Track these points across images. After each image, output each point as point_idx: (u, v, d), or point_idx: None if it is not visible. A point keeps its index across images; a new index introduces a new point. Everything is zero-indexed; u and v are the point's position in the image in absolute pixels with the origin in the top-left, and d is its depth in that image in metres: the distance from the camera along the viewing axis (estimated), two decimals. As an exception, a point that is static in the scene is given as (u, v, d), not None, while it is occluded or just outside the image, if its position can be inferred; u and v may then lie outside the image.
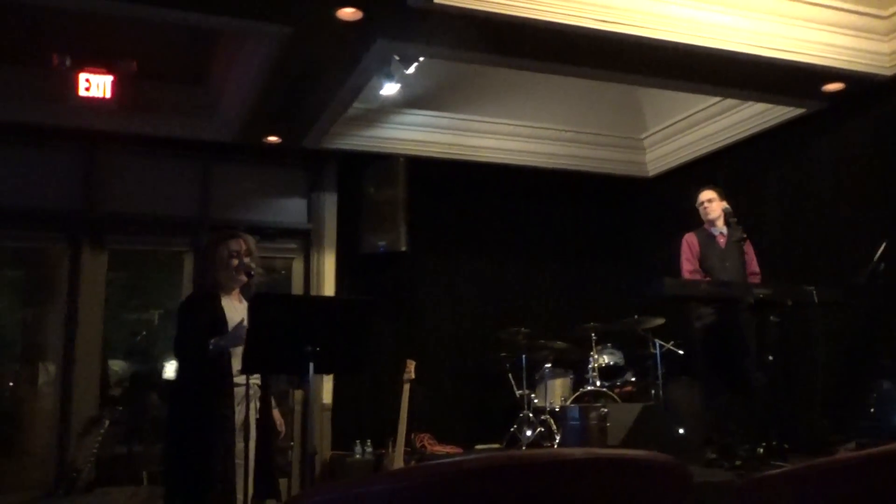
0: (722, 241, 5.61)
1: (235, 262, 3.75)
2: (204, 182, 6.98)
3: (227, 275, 3.75)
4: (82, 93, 5.92)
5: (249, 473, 3.50)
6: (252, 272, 3.69)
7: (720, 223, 5.62)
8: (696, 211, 5.74)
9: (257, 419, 3.69)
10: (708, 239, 5.64)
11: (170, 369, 6.86)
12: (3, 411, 6.51)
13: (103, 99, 5.94)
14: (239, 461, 3.53)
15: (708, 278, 5.44)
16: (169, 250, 7.13)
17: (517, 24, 4.72)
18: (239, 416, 3.58)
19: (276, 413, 3.95)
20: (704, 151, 7.40)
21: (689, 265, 5.57)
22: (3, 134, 6.32)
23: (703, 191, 5.73)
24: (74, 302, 6.47)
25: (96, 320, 6.55)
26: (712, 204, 5.62)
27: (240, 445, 3.53)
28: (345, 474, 6.50)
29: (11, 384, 6.63)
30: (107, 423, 6.06)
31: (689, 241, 5.65)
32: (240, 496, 3.52)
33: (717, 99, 6.95)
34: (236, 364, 3.60)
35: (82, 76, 5.85)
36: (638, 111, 7.88)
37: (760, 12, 5.28)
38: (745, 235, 5.33)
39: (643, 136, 8.09)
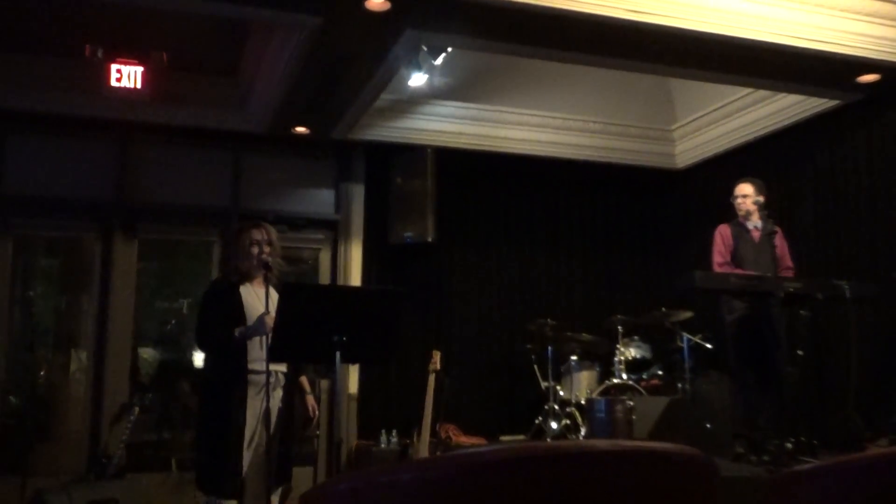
0: (756, 235, 5.55)
1: (255, 250, 3.79)
2: (234, 172, 7.03)
3: (249, 263, 3.80)
4: (114, 83, 5.99)
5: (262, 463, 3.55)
6: (269, 262, 3.71)
7: (755, 217, 5.55)
8: (727, 203, 5.69)
9: (280, 408, 3.74)
10: (742, 232, 5.58)
11: (199, 358, 6.94)
12: (37, 397, 6.64)
13: (134, 89, 6.01)
14: (261, 448, 3.58)
15: (739, 271, 5.38)
16: (199, 240, 7.19)
17: (547, 14, 4.69)
18: (258, 404, 3.62)
19: (309, 399, 4.00)
20: (736, 143, 7.32)
21: (719, 257, 5.52)
22: (37, 124, 6.42)
23: (739, 184, 5.65)
24: (106, 291, 6.56)
25: (127, 309, 6.64)
26: (747, 200, 5.55)
27: (263, 433, 3.57)
28: (370, 464, 6.54)
29: (44, 371, 6.75)
30: (137, 410, 6.15)
31: (723, 232, 5.59)
32: (251, 486, 3.56)
33: (750, 90, 6.86)
34: (253, 352, 3.65)
35: (113, 67, 5.92)
36: (668, 102, 7.80)
37: (794, 1, 5.20)
38: (776, 228, 5.27)
39: (673, 127, 8.01)
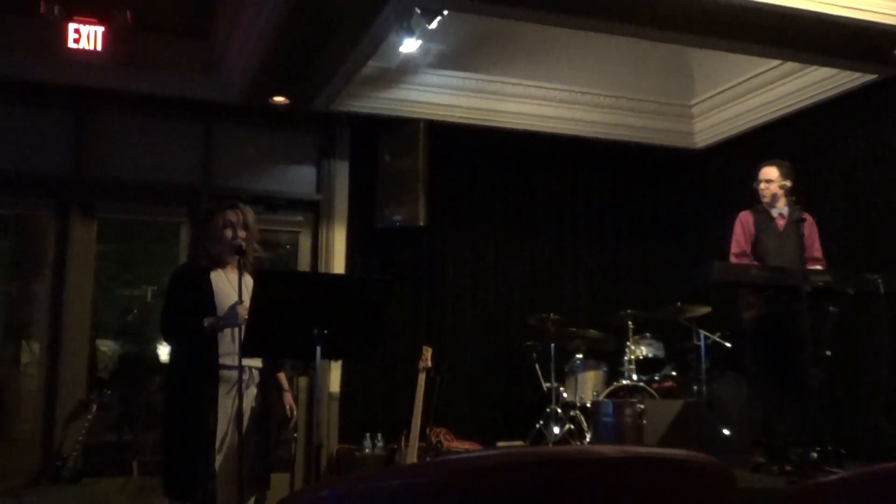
0: (781, 223, 5.55)
1: (229, 234, 3.78)
2: (204, 146, 7.01)
3: (221, 247, 3.79)
4: (71, 45, 5.96)
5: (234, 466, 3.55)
6: (243, 247, 3.71)
7: (781, 203, 5.55)
8: (749, 187, 5.69)
9: (253, 407, 3.74)
10: (765, 220, 5.59)
11: (164, 351, 6.93)
12: (-17, 393, 6.63)
13: (94, 52, 5.98)
14: (233, 451, 3.59)
15: (757, 263, 5.39)
16: (165, 221, 7.17)
17: (553, -25, 4.68)
18: (229, 402, 3.63)
19: (287, 397, 4.01)
20: (760, 122, 7.32)
21: (736, 247, 5.53)
22: (-15, 90, 6.39)
23: (764, 167, 5.64)
24: (61, 276, 6.55)
25: (85, 296, 6.63)
26: (772, 185, 5.53)
27: (235, 435, 3.58)
28: (353, 470, 6.55)
29: (-7, 363, 6.74)
30: (95, 407, 6.15)
31: (744, 220, 5.59)
32: (222, 493, 3.57)
33: (777, 63, 6.86)
34: (224, 345, 3.65)
35: (71, 26, 5.88)
36: (687, 75, 7.79)
37: (828, -35, 5.20)
38: (805, 216, 5.28)
39: (692, 103, 8.01)
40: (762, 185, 5.58)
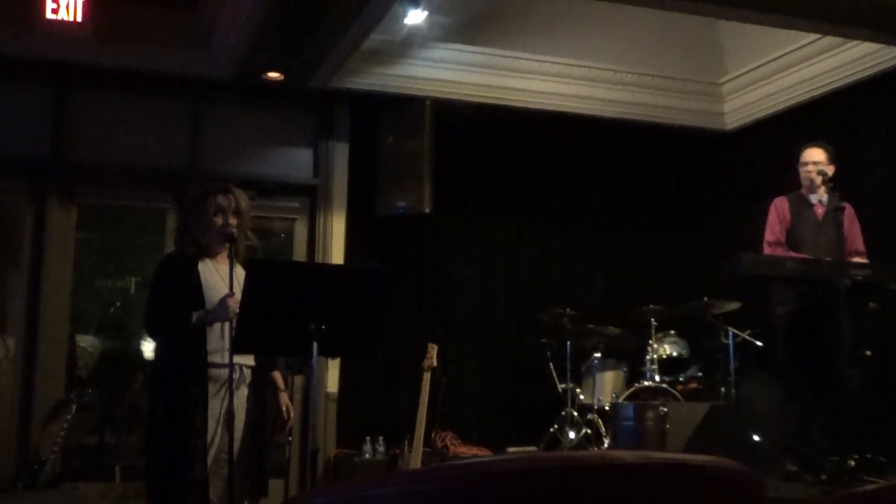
0: (820, 211, 5.54)
1: (220, 220, 3.78)
2: (192, 126, 7.01)
3: (210, 235, 3.80)
4: (49, 15, 5.96)
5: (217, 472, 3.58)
6: (234, 235, 3.72)
7: (822, 190, 5.53)
8: (784, 172, 5.67)
9: (246, 409, 3.75)
10: (803, 207, 5.56)
11: (149, 347, 6.95)
12: (-46, 391, 6.66)
13: (74, 23, 5.98)
14: (223, 456, 3.60)
15: (793, 254, 5.37)
16: (150, 207, 7.18)
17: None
18: (218, 403, 3.64)
19: (283, 397, 4.02)
20: (796, 101, 7.29)
21: (770, 235, 5.51)
22: (-44, 64, 6.40)
23: (808, 149, 5.60)
24: (38, 265, 6.56)
25: (64, 288, 6.65)
26: (819, 167, 5.50)
27: (224, 438, 3.59)
28: (351, 476, 6.58)
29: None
30: (74, 408, 6.17)
31: (779, 206, 5.57)
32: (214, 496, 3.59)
33: (815, 37, 6.82)
34: (213, 341, 3.66)
35: (49, -5, 5.88)
36: (716, 50, 7.77)
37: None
38: (843, 204, 5.26)
39: (722, 80, 7.98)
40: (808, 168, 5.54)
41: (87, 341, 7.25)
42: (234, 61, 6.50)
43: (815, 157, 5.55)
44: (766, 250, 5.47)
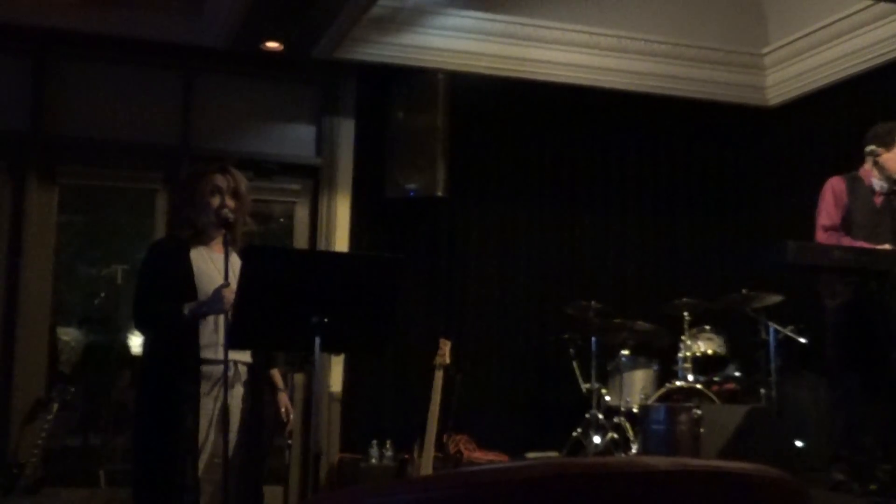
0: (879, 198, 5.48)
1: (216, 201, 3.79)
2: (184, 100, 7.02)
3: (206, 218, 3.81)
4: (29, -20, 5.96)
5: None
6: (230, 219, 3.73)
7: (880, 175, 5.45)
8: (835, 152, 5.64)
9: (241, 408, 3.77)
10: (861, 190, 5.49)
11: (137, 342, 6.98)
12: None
13: (55, -12, 5.98)
14: (217, 460, 3.62)
15: (850, 241, 5.32)
16: (138, 187, 7.21)
17: None
18: (211, 403, 3.66)
19: (282, 397, 4.05)
20: (846, 74, 7.24)
21: (826, 219, 5.42)
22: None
23: (884, 126, 5.50)
24: (16, 252, 6.59)
25: (44, 276, 6.67)
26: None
27: (218, 441, 3.61)
28: (357, 483, 6.60)
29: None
30: (56, 407, 6.19)
31: (836, 187, 5.49)
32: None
33: (867, 3, 6.78)
34: (207, 336, 3.68)
35: (29, -43, 5.90)
36: (758, 17, 7.73)
37: None
38: (896, 187, 5.23)
39: (765, 51, 7.94)
40: (879, 149, 5.45)
41: (69, 334, 7.29)
42: (230, 29, 6.50)
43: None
44: (821, 236, 5.40)
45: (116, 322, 7.37)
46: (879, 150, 5.44)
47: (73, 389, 6.53)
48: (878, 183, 5.49)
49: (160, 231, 6.75)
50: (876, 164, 5.43)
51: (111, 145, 6.84)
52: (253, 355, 3.84)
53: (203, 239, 3.84)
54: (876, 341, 5.14)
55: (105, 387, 7.06)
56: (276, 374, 4.06)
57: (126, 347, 7.18)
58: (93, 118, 6.78)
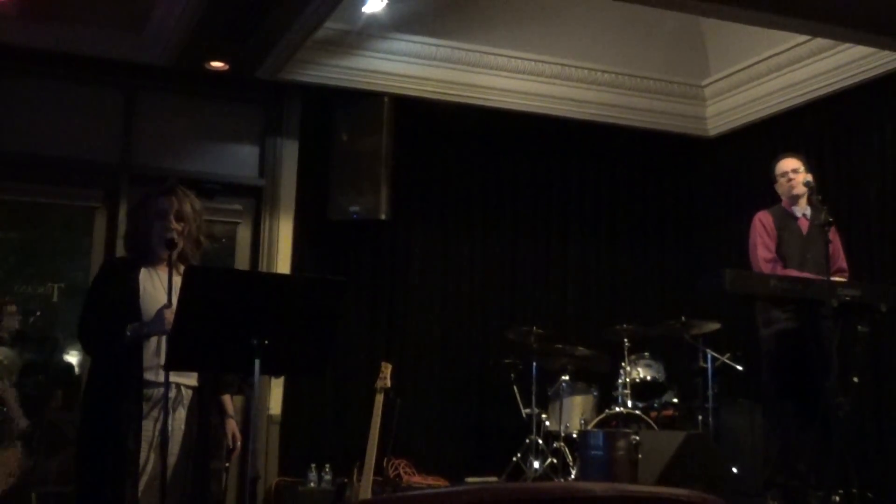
0: (804, 225, 5.60)
1: (161, 224, 3.76)
2: (126, 117, 6.95)
3: (153, 241, 3.78)
4: (-33, -8, 5.86)
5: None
6: (174, 240, 3.69)
7: (804, 202, 5.60)
8: (770, 183, 5.72)
9: (184, 433, 3.71)
10: (787, 221, 5.62)
11: (75, 361, 6.87)
12: None
13: (-5, 1, 5.88)
14: (157, 483, 3.55)
15: (791, 271, 5.40)
16: (76, 205, 7.11)
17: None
18: (151, 425, 3.61)
19: (230, 423, 3.99)
20: (783, 107, 7.37)
21: (766, 252, 5.52)
22: None
23: (784, 158, 5.71)
24: (-51, 268, 6.45)
25: (-23, 293, 6.54)
26: (798, 176, 5.58)
27: (158, 464, 3.55)
28: (295, 507, 6.53)
29: None
30: (-13, 428, 6.06)
31: (764, 221, 5.61)
32: None
33: (804, 39, 6.91)
34: (148, 357, 3.63)
35: (-33, -31, 5.80)
36: (700, 49, 7.84)
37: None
38: (831, 219, 5.31)
39: (705, 83, 8.05)
40: (790, 176, 5.60)
41: (4, 354, 7.14)
42: (174, 47, 6.45)
43: (792, 165, 5.65)
44: (766, 268, 5.48)
45: (52, 341, 7.23)
46: (811, 177, 5.57)
47: (4, 410, 6.38)
48: (806, 210, 5.60)
49: (98, 250, 6.68)
50: (811, 191, 5.54)
51: (48, 161, 6.76)
52: (199, 379, 3.78)
53: (152, 259, 3.80)
54: (810, 369, 5.20)
55: (39, 407, 6.89)
56: (226, 399, 4.02)
57: (62, 367, 7.05)
58: (31, 134, 6.69)
